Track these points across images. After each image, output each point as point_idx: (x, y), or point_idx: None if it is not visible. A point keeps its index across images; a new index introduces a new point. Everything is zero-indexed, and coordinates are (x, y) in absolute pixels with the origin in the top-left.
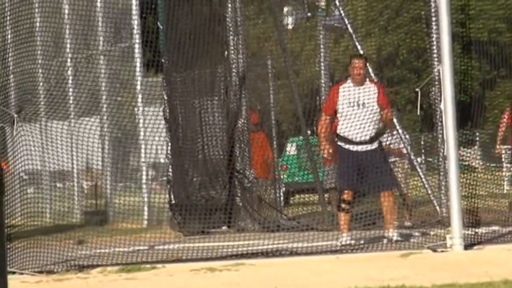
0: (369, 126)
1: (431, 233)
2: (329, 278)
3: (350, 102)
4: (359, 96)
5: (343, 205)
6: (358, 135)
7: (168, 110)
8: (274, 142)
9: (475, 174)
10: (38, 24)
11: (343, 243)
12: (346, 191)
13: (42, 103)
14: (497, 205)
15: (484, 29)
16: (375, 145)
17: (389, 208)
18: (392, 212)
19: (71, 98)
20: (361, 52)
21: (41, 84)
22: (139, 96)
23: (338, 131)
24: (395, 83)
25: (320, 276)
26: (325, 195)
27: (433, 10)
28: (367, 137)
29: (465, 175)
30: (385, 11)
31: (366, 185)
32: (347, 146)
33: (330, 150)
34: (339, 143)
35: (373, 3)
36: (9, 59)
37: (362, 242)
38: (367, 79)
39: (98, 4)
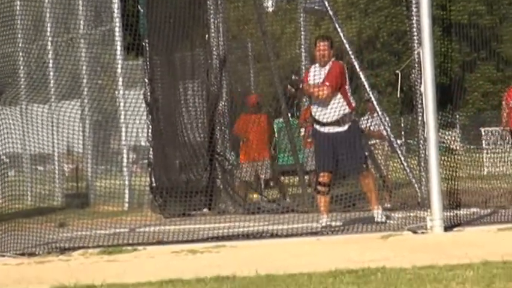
0: (334, 106)
1: (411, 214)
2: (309, 260)
3: (314, 84)
4: (320, 77)
5: (320, 188)
6: (325, 116)
7: (148, 93)
8: None
9: (455, 156)
10: (18, 7)
11: (323, 224)
12: (322, 173)
13: (22, 86)
14: (477, 187)
15: (464, 11)
16: (345, 127)
17: (368, 188)
18: (372, 191)
19: (52, 81)
20: (340, 34)
21: (22, 67)
22: (120, 79)
23: (312, 113)
24: (375, 66)
25: (300, 258)
26: (306, 177)
27: None
28: (334, 118)
29: (445, 157)
30: None
31: (341, 167)
32: (320, 128)
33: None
34: (314, 125)
35: None
36: None
37: (342, 223)
38: (332, 60)
39: None
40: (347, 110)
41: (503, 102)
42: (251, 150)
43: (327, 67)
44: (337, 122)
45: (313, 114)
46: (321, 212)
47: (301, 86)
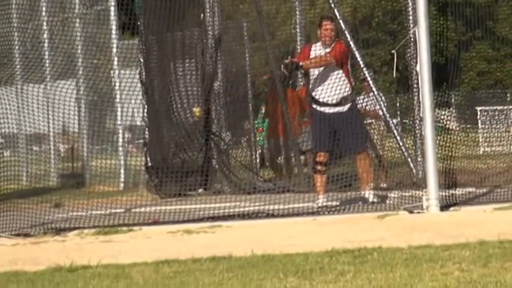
0: (336, 86)
1: (407, 194)
2: (306, 240)
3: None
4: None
5: (318, 167)
6: (327, 95)
7: (144, 73)
8: (250, 105)
9: (451, 135)
10: None
11: (320, 205)
12: (320, 153)
13: (18, 66)
14: (473, 166)
15: None
16: (346, 107)
17: (364, 169)
18: (367, 172)
19: (47, 61)
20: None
21: (17, 47)
22: (115, 59)
23: (311, 93)
24: (371, 45)
25: (297, 238)
26: (302, 157)
27: None
28: (335, 98)
29: (441, 137)
30: None
31: (339, 147)
32: (319, 108)
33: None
34: (313, 105)
35: None
36: None
37: (339, 203)
38: (336, 40)
39: None
40: (348, 91)
41: None
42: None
43: (332, 47)
44: (339, 103)
45: (313, 94)
46: (317, 191)
47: (300, 64)
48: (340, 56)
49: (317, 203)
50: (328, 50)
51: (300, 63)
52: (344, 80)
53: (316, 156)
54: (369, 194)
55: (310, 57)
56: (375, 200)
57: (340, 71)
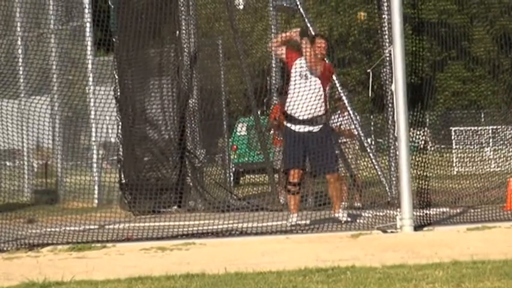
0: (311, 104)
1: (381, 213)
2: (279, 258)
3: (301, 75)
4: (306, 69)
5: (290, 188)
6: (299, 111)
7: (119, 90)
8: (224, 122)
9: (425, 155)
10: None
11: (293, 223)
12: (292, 171)
13: None
14: (447, 186)
15: (435, 10)
16: (317, 127)
17: (334, 190)
18: (338, 193)
19: (22, 76)
20: (312, 32)
21: None
22: (91, 75)
23: (285, 108)
24: (346, 64)
25: (270, 256)
26: (276, 175)
27: None
28: (308, 115)
29: (415, 156)
30: None
31: (312, 166)
32: (292, 127)
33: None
34: (286, 124)
35: None
36: None
37: (312, 222)
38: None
39: None
40: (322, 112)
41: None
42: None
43: (318, 67)
44: (310, 121)
45: (288, 110)
46: (290, 210)
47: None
48: (326, 76)
49: (290, 222)
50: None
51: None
52: (320, 100)
53: (289, 176)
54: (341, 214)
55: (293, 72)
56: (348, 219)
57: (321, 89)
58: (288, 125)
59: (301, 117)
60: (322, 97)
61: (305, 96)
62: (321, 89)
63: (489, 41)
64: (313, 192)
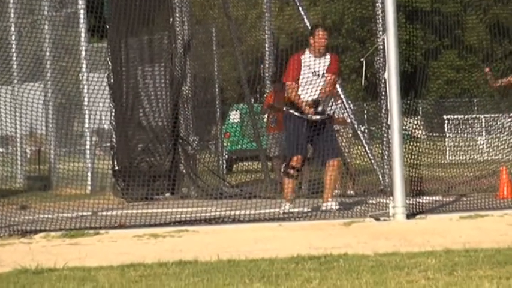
0: (327, 97)
1: (374, 201)
2: (271, 246)
3: (312, 72)
4: (319, 67)
5: (291, 171)
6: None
7: (112, 76)
8: (218, 110)
9: (418, 143)
10: None
11: (285, 211)
12: (295, 157)
13: None
14: (440, 175)
15: None
16: (326, 115)
17: (333, 177)
18: (334, 181)
19: (15, 63)
20: (305, 19)
21: None
22: (84, 62)
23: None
24: (339, 52)
25: (262, 243)
26: (269, 163)
27: None
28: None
29: (408, 144)
30: None
31: (315, 152)
32: (296, 113)
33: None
34: (292, 111)
35: None
36: None
37: (304, 209)
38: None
39: None
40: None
41: None
42: None
43: (327, 58)
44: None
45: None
46: (284, 197)
47: (319, 100)
48: (338, 68)
49: (282, 209)
50: (323, 61)
51: (319, 99)
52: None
53: (291, 160)
54: (333, 203)
55: (302, 67)
56: (338, 207)
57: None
58: (292, 111)
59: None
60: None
61: (318, 93)
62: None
63: (482, 30)
64: (307, 180)
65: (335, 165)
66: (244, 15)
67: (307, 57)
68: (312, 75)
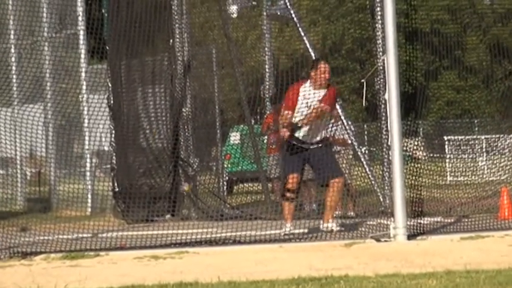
0: (321, 128)
1: (375, 222)
2: (272, 267)
3: (308, 106)
4: (315, 98)
5: (287, 194)
6: (312, 137)
7: (112, 98)
8: (218, 131)
9: (418, 164)
10: None
11: (286, 232)
12: (291, 177)
13: None
14: (440, 195)
15: (428, 19)
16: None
17: (334, 197)
18: (335, 202)
19: (15, 84)
20: (305, 41)
21: None
22: (84, 83)
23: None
24: (339, 73)
25: (263, 265)
26: (269, 184)
27: (377, 0)
28: (318, 138)
29: (408, 165)
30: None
31: (316, 174)
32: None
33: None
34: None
35: None
36: None
37: (305, 231)
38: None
39: None
40: (330, 131)
41: None
42: None
43: (324, 90)
44: (318, 142)
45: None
46: (284, 219)
47: (299, 125)
48: (334, 102)
49: (284, 231)
50: (319, 93)
51: (299, 123)
52: (331, 121)
53: (287, 182)
54: (333, 224)
55: (299, 98)
56: (339, 228)
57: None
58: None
59: (310, 141)
60: (330, 123)
61: (318, 125)
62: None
63: (482, 50)
64: (312, 200)
65: (340, 183)
66: (244, 36)
67: (306, 89)
68: (307, 109)
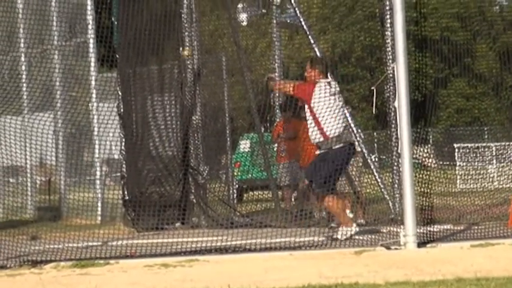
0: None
1: (385, 230)
2: (282, 275)
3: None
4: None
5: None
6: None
7: (122, 106)
8: (228, 139)
9: (428, 172)
10: None
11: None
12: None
13: None
14: (450, 203)
15: (438, 27)
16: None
17: (334, 210)
18: (338, 212)
19: (25, 93)
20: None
21: None
22: (94, 91)
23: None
24: (349, 81)
25: (273, 273)
26: (279, 192)
27: (387, 7)
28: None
29: (418, 173)
30: (339, 8)
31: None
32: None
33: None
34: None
35: (327, 0)
36: None
37: (316, 239)
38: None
39: None
40: (322, 139)
41: None
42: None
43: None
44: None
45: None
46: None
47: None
48: (301, 93)
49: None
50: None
51: (271, 82)
52: (314, 127)
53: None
54: (338, 232)
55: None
56: (345, 236)
57: (310, 118)
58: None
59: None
60: (314, 125)
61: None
62: (310, 117)
63: (492, 58)
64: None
65: (327, 199)
66: (254, 44)
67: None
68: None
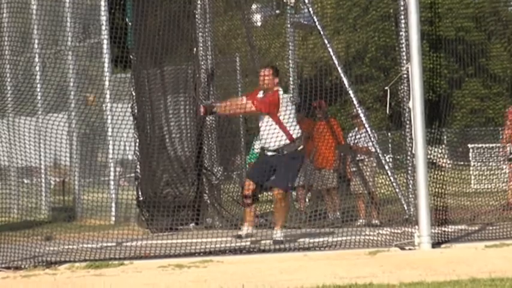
0: (273, 135)
1: (399, 231)
2: (297, 276)
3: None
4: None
5: (244, 200)
6: (267, 143)
7: (136, 107)
8: (242, 139)
9: (443, 172)
10: (5, 20)
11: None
12: (246, 183)
13: (9, 99)
14: (464, 203)
15: (452, 27)
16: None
17: (277, 208)
18: (279, 212)
19: (39, 93)
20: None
21: (9, 80)
22: (108, 92)
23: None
24: (363, 81)
25: (288, 274)
26: (293, 192)
27: (401, 8)
28: (274, 147)
29: (433, 174)
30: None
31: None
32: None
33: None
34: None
35: (341, 0)
36: None
37: (330, 239)
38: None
39: (67, 0)
40: (286, 141)
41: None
42: (318, 156)
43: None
44: (277, 151)
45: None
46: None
47: (214, 110)
48: (263, 106)
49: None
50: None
51: (214, 109)
52: (275, 129)
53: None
54: (279, 233)
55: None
56: (280, 238)
57: (270, 120)
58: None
59: (268, 147)
60: (275, 127)
61: (263, 130)
62: (270, 120)
63: (507, 58)
64: (335, 209)
65: (279, 195)
66: (267, 45)
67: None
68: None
